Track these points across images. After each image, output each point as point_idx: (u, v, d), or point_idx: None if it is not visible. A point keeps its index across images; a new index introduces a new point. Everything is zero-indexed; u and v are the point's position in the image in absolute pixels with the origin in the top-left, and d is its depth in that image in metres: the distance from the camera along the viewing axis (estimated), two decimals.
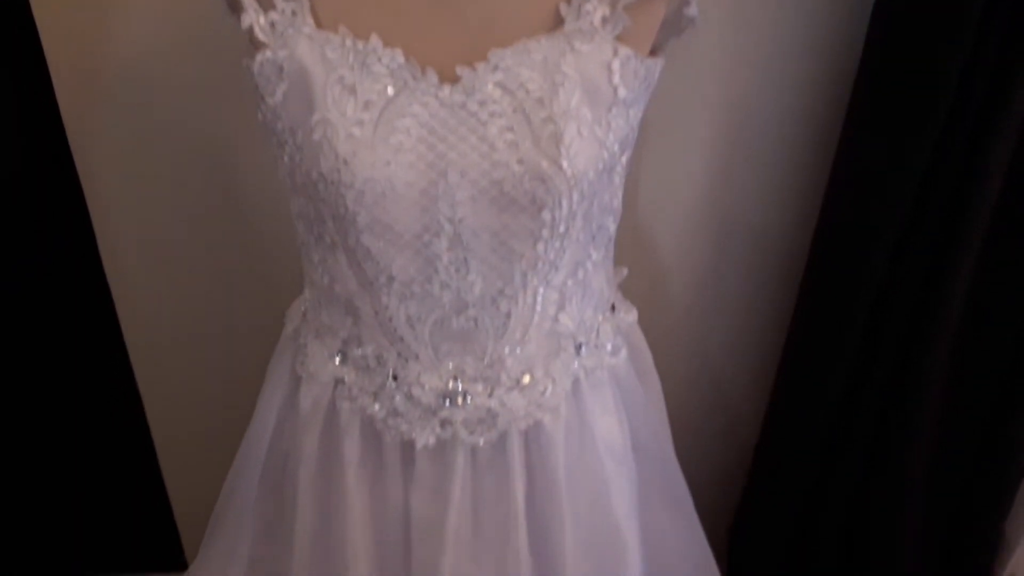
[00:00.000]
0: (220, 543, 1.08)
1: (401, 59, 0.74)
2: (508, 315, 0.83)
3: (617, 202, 0.86)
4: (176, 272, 1.30)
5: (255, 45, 0.78)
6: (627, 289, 1.00)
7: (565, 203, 0.76)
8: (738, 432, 1.45)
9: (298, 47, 0.75)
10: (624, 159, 0.83)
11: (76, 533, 1.58)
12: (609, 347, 0.93)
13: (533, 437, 0.89)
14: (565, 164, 0.73)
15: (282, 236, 1.15)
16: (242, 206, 1.26)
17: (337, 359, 0.89)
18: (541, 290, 0.83)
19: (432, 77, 0.74)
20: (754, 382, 1.40)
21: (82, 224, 1.27)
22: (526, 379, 0.87)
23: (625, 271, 0.98)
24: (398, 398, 0.86)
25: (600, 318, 0.92)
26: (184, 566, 1.41)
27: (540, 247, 0.78)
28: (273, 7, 0.76)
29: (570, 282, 0.85)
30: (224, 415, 1.28)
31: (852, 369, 1.25)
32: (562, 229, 0.78)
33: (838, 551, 1.41)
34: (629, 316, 0.97)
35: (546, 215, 0.76)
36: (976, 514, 1.36)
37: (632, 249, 1.24)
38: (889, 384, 1.25)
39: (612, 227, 0.87)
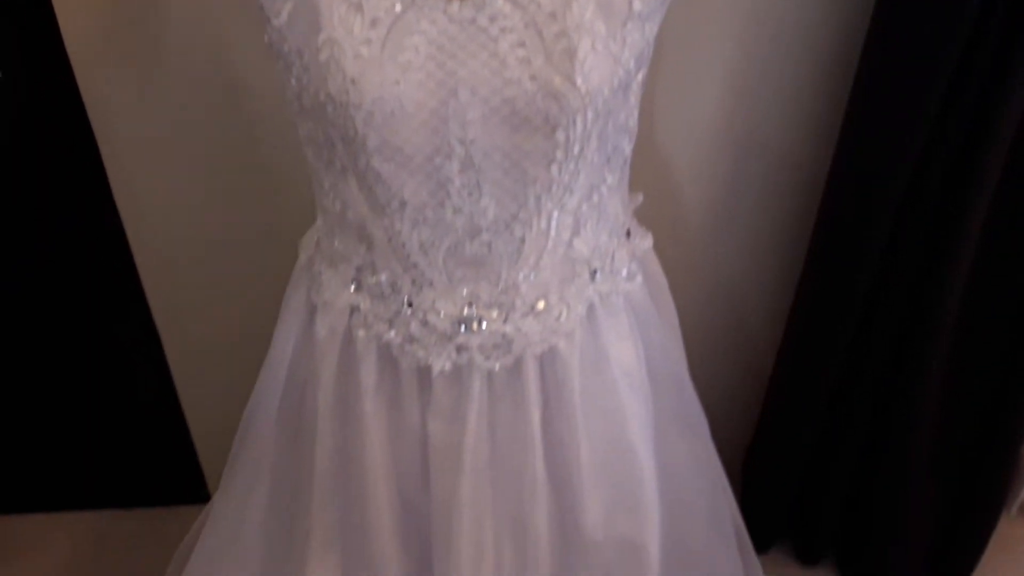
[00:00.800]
0: (241, 473, 1.10)
1: None
2: (522, 240, 0.82)
3: (633, 122, 0.84)
4: (188, 204, 1.29)
5: None
6: (642, 215, 0.98)
7: (579, 122, 0.74)
8: (754, 362, 1.45)
9: None
10: (640, 77, 0.81)
11: (99, 468, 1.61)
12: (624, 273, 0.92)
13: (548, 362, 0.89)
14: (579, 80, 0.71)
15: (294, 164, 1.13)
16: (253, 134, 1.24)
17: (352, 287, 0.88)
18: (555, 214, 0.81)
19: None
20: (770, 311, 1.39)
21: (91, 160, 1.26)
22: (540, 305, 0.86)
23: (641, 197, 0.97)
24: (413, 325, 0.86)
25: (615, 243, 0.91)
26: (207, 498, 1.44)
27: (554, 169, 0.77)
28: None
29: (585, 206, 0.83)
30: (241, 346, 1.28)
31: (868, 300, 1.24)
32: (576, 150, 0.76)
33: (851, 483, 1.42)
34: (645, 242, 0.96)
35: (560, 135, 0.74)
36: (993, 438, 1.35)
37: (648, 175, 1.21)
38: (906, 316, 1.24)
39: (627, 149, 0.86)
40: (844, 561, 1.51)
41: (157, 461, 1.60)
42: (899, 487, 1.39)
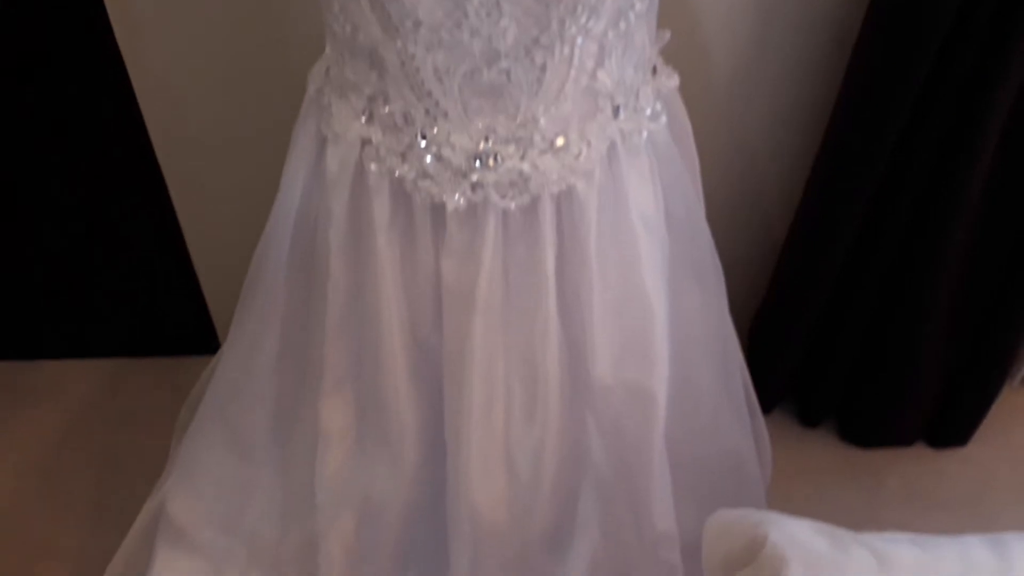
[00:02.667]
0: (253, 313, 1.10)
1: None
2: (543, 68, 0.78)
3: None
4: (191, 35, 1.23)
5: None
6: (667, 56, 0.94)
7: None
8: (770, 221, 1.42)
9: None
10: None
11: (112, 317, 1.62)
12: (649, 112, 0.88)
13: (565, 203, 0.87)
14: None
15: None
16: None
17: (363, 118, 0.85)
18: (579, 40, 0.77)
19: None
20: (791, 170, 1.36)
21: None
22: (560, 141, 0.83)
23: (668, 34, 0.92)
24: (428, 159, 0.83)
25: (641, 79, 0.87)
26: (217, 349, 1.45)
27: None
28: None
29: (611, 33, 0.79)
30: (249, 189, 1.26)
31: (893, 161, 1.20)
32: None
33: (858, 347, 1.42)
34: (671, 81, 0.92)
35: None
36: (1005, 305, 1.35)
37: (675, 12, 1.15)
38: (930, 181, 1.21)
39: None
40: (845, 424, 1.53)
41: (168, 311, 1.61)
42: (906, 353, 1.40)
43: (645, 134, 0.88)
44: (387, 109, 0.83)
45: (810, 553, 0.73)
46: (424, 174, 0.84)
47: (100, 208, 1.47)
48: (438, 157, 0.83)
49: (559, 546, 1.09)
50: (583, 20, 0.75)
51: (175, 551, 1.20)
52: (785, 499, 1.39)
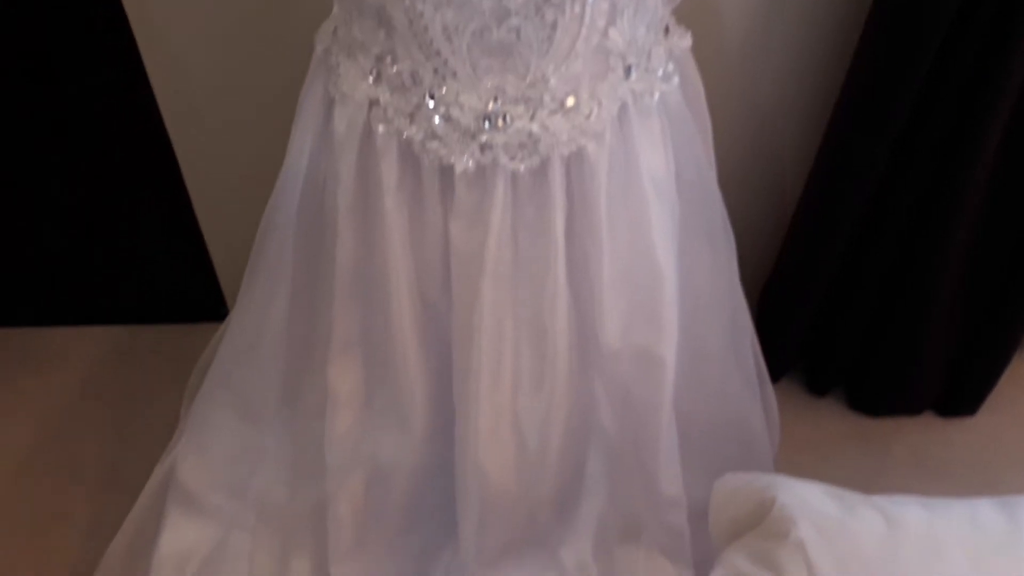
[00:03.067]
0: (261, 278, 1.10)
1: None
2: (554, 26, 0.77)
3: None
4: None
5: None
6: (680, 17, 0.92)
7: None
8: (783, 185, 1.41)
9: None
10: None
11: (121, 284, 1.63)
12: (661, 72, 0.87)
13: (575, 165, 0.86)
14: None
15: None
16: None
17: (371, 78, 0.84)
18: None
19: None
20: (804, 127, 1.34)
21: None
22: (570, 101, 0.82)
23: None
24: (436, 120, 0.82)
25: (653, 39, 0.85)
26: (225, 316, 1.45)
27: None
28: None
29: None
30: (258, 154, 1.25)
31: (906, 131, 1.19)
32: None
33: (869, 316, 1.41)
34: (683, 41, 0.91)
35: None
36: (1016, 276, 1.33)
37: None
38: (944, 150, 1.19)
39: None
40: (853, 393, 1.53)
41: (176, 278, 1.61)
42: (916, 323, 1.39)
43: (657, 95, 0.87)
44: (395, 69, 0.82)
45: (819, 514, 0.72)
46: (432, 135, 0.83)
47: (109, 176, 1.46)
48: (446, 118, 0.82)
49: (567, 510, 1.10)
50: None
51: (185, 515, 1.21)
52: (793, 467, 1.38)
